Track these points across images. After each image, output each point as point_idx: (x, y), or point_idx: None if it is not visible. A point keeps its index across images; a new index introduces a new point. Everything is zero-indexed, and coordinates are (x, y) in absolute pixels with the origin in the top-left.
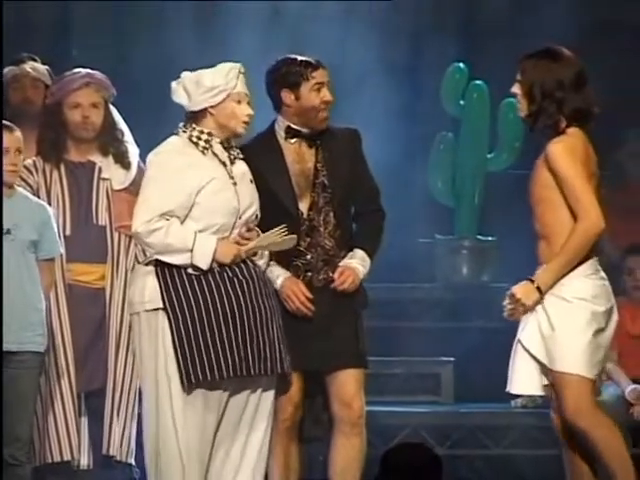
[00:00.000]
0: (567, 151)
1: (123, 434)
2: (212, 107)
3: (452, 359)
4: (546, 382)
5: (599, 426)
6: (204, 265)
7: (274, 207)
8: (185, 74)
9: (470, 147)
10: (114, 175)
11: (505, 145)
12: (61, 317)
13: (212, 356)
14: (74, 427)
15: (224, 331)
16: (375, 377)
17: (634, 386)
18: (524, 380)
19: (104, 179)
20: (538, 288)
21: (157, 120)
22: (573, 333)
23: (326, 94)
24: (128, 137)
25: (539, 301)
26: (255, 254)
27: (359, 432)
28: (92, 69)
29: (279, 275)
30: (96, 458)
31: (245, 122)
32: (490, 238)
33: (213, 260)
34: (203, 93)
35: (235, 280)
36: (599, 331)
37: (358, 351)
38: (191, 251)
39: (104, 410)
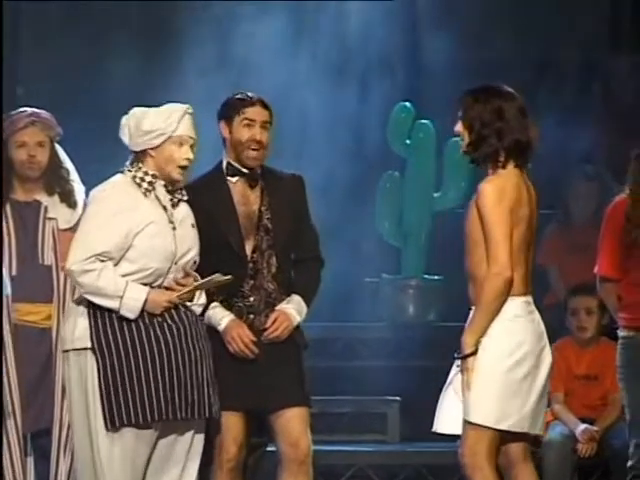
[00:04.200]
0: (495, 193)
1: (69, 473)
2: (152, 149)
3: (398, 398)
4: None
5: None
6: (131, 315)
7: (222, 247)
8: (133, 111)
9: (416, 186)
10: (60, 214)
11: (451, 184)
12: (7, 357)
13: (137, 400)
14: (20, 467)
15: (151, 375)
16: (321, 416)
17: (585, 426)
18: (451, 419)
19: (50, 218)
20: (469, 355)
21: (102, 156)
22: (481, 382)
23: (256, 132)
24: (74, 176)
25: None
26: (192, 299)
27: (306, 471)
28: (38, 108)
29: (223, 317)
30: None
31: (182, 167)
32: (437, 277)
33: (142, 311)
34: (142, 135)
35: (165, 324)
36: (521, 379)
37: (302, 390)
38: (120, 299)
39: (51, 449)
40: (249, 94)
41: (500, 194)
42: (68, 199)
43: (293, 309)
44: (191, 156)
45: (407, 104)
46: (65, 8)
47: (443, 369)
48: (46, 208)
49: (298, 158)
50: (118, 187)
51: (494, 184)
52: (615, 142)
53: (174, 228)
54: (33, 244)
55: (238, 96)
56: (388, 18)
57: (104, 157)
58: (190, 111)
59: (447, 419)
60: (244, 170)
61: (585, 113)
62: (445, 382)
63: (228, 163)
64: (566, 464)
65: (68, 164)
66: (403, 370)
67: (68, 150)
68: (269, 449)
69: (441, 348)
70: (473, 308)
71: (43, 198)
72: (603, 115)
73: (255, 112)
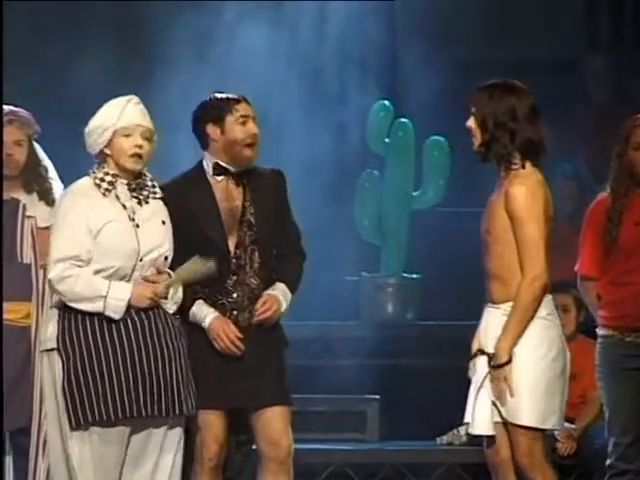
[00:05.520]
0: (528, 196)
1: (48, 472)
2: (105, 147)
3: (377, 397)
4: (497, 419)
5: None
6: (117, 315)
7: (204, 244)
8: None
9: (395, 185)
10: (38, 212)
11: (430, 183)
12: None
13: (100, 397)
14: None
15: (113, 372)
16: (300, 415)
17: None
18: (486, 421)
19: (28, 217)
20: (506, 363)
21: (80, 155)
22: (525, 384)
23: (251, 127)
24: (52, 174)
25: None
26: (166, 296)
27: (287, 470)
28: (15, 106)
29: (207, 314)
30: None
31: (133, 155)
32: (415, 276)
33: (127, 308)
34: (91, 136)
35: (129, 321)
36: (557, 376)
37: (284, 389)
38: (104, 299)
39: (29, 448)
40: (229, 94)
41: (533, 197)
42: (46, 197)
43: (280, 294)
44: (140, 142)
45: (386, 102)
46: (38, 7)
47: (422, 367)
48: (24, 206)
49: (277, 157)
50: (78, 190)
51: (526, 187)
52: (593, 141)
53: (137, 225)
54: (11, 242)
55: (220, 96)
56: (366, 18)
57: (81, 156)
58: (135, 101)
59: (482, 421)
60: (232, 169)
61: (563, 112)
62: (423, 381)
63: (216, 164)
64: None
65: (46, 162)
66: (382, 369)
67: (46, 148)
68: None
69: (420, 346)
70: (492, 306)
71: (21, 196)
72: (581, 114)
73: (246, 108)
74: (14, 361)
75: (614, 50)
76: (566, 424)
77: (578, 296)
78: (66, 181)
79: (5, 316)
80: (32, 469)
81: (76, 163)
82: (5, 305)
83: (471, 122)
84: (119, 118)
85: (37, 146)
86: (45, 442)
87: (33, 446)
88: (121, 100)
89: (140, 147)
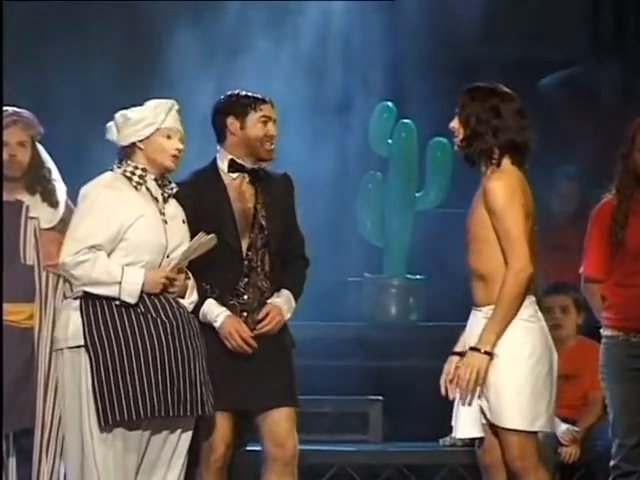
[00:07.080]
0: (506, 190)
1: (52, 473)
2: (140, 141)
3: (380, 398)
4: (484, 421)
5: None
6: (132, 300)
7: (218, 245)
8: (118, 113)
9: (398, 186)
10: (42, 214)
11: (433, 184)
12: None
13: (130, 396)
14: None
15: (143, 371)
16: (303, 416)
17: (567, 426)
18: (468, 424)
19: (32, 218)
20: (487, 353)
21: (85, 156)
22: (509, 386)
23: (271, 129)
24: (56, 175)
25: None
26: (183, 296)
27: (292, 472)
28: (17, 106)
29: (219, 313)
30: None
31: (174, 156)
32: (419, 277)
33: (141, 292)
34: (130, 126)
35: (158, 321)
36: (543, 378)
37: (291, 390)
38: (119, 284)
39: (33, 449)
40: (256, 93)
41: (511, 190)
42: (50, 198)
43: (284, 303)
44: (181, 147)
45: (389, 104)
46: (38, 7)
47: (425, 368)
48: (28, 207)
49: (279, 158)
50: (106, 182)
51: (503, 181)
52: (597, 142)
53: (165, 222)
54: (15, 243)
55: (246, 93)
56: (369, 19)
57: (86, 157)
58: (177, 107)
59: (466, 424)
60: (248, 166)
61: (566, 113)
62: (426, 382)
63: (231, 160)
64: (548, 464)
65: (50, 163)
66: (385, 370)
67: (49, 149)
68: (250, 449)
69: (423, 348)
70: (476, 309)
71: (25, 198)
72: (584, 115)
73: (269, 109)
74: (17, 363)
75: (618, 50)
76: (569, 426)
77: (577, 297)
78: (67, 182)
79: (8, 317)
80: (36, 471)
81: (76, 163)
82: (8, 306)
83: (454, 122)
84: (165, 118)
85: (40, 147)
86: (49, 444)
87: (36, 448)
88: (167, 102)
89: (180, 151)
